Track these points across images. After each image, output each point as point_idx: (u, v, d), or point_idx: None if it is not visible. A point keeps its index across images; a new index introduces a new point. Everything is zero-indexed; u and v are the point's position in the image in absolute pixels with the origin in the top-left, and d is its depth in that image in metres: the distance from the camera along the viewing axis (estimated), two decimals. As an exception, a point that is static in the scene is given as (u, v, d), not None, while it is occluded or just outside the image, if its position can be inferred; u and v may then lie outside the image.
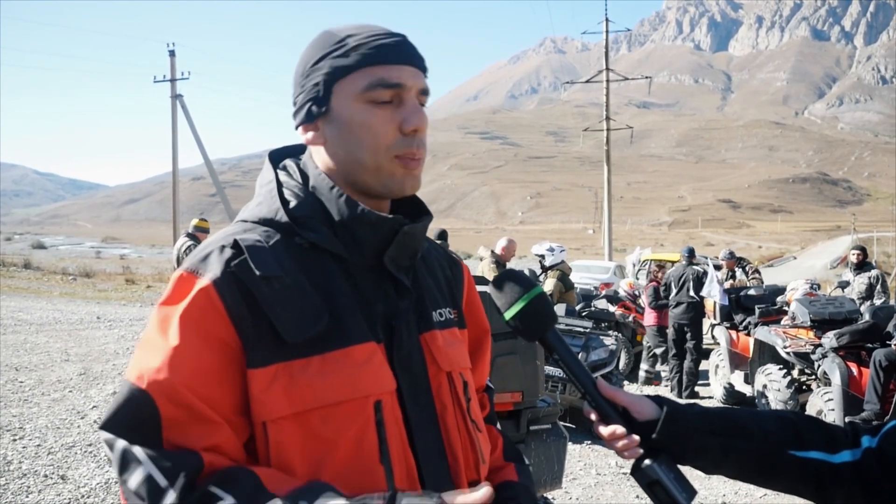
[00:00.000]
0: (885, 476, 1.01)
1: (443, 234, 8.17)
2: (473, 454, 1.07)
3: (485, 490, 0.83)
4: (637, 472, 1.06)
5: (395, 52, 0.98)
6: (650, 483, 1.04)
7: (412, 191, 1.02)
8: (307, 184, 1.03)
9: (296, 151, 1.11)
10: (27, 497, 4.21)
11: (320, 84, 0.98)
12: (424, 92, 1.01)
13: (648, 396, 1.11)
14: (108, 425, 0.86)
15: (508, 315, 1.08)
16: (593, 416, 1.09)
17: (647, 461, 1.05)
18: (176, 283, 0.92)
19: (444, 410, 1.04)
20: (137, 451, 0.84)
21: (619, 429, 1.06)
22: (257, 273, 0.91)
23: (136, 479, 0.83)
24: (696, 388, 8.66)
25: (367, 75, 0.96)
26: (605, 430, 1.07)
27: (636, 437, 1.05)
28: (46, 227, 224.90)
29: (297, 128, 1.04)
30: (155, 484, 0.82)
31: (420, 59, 1.02)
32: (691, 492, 1.03)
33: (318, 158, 1.04)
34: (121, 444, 0.85)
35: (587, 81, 31.83)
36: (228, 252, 0.94)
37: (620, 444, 1.06)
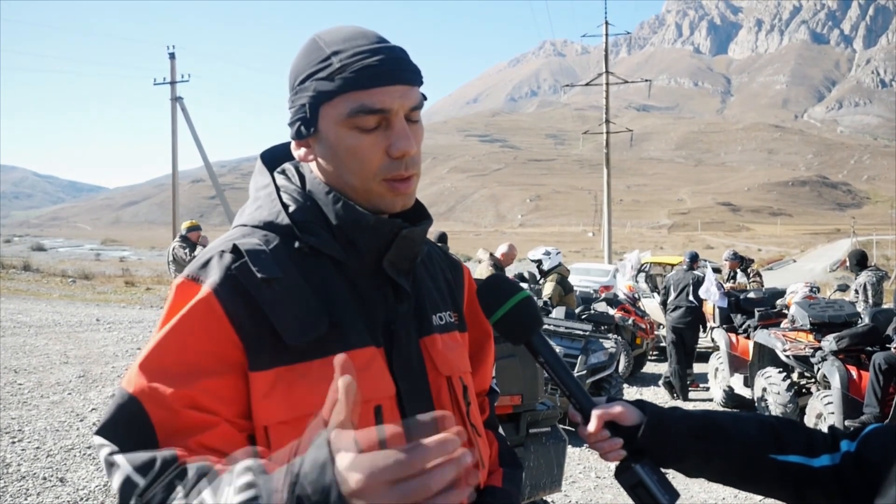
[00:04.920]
0: (863, 479, 1.01)
1: (442, 237, 8.17)
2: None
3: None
4: (621, 475, 1.08)
5: (381, 73, 0.94)
6: (633, 485, 1.06)
7: (402, 208, 1.00)
8: (305, 187, 1.03)
9: (287, 150, 1.10)
10: (26, 500, 4.20)
11: (307, 106, 0.97)
12: (416, 107, 0.97)
13: (632, 401, 1.13)
14: (101, 431, 0.87)
15: (493, 319, 1.10)
16: (578, 419, 1.12)
17: (630, 464, 1.07)
18: (177, 292, 0.93)
19: (444, 415, 1.04)
20: (118, 457, 0.84)
21: (604, 432, 1.08)
22: (258, 275, 0.91)
23: (116, 480, 0.84)
24: (692, 392, 8.59)
25: (350, 101, 0.93)
26: (588, 432, 1.09)
27: (619, 440, 1.08)
28: (46, 230, 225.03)
29: (291, 140, 1.04)
30: (132, 483, 0.83)
31: (411, 73, 0.97)
32: (674, 494, 1.05)
33: (312, 170, 1.04)
34: (104, 451, 0.85)
35: (587, 84, 31.89)
36: (228, 257, 0.93)
37: (605, 445, 1.08)
